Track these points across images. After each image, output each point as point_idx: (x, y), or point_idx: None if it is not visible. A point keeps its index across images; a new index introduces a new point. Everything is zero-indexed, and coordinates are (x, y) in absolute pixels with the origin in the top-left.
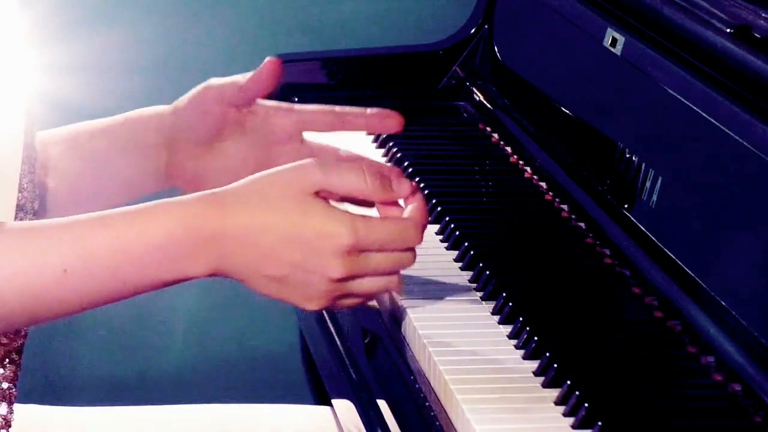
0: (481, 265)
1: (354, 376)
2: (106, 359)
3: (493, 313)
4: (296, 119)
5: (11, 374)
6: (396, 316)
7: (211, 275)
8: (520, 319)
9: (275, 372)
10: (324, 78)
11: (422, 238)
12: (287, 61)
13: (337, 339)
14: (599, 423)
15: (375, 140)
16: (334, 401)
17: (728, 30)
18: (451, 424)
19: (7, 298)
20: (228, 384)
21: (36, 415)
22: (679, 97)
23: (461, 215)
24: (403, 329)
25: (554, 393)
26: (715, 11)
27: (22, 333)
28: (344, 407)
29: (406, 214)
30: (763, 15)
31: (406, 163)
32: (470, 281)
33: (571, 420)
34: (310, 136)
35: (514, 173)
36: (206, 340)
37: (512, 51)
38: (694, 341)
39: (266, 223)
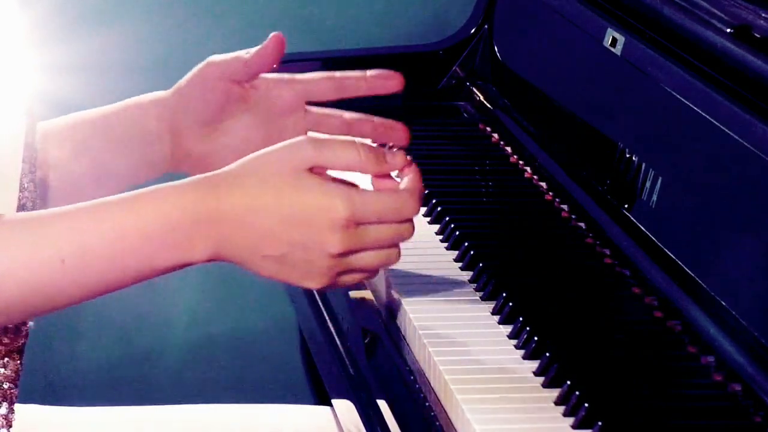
0: (481, 265)
1: (354, 376)
2: (106, 359)
3: (493, 313)
4: (298, 89)
5: (12, 374)
6: (396, 316)
7: (210, 260)
8: (520, 319)
9: (275, 372)
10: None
11: (419, 208)
12: (287, 61)
13: (337, 339)
14: (599, 423)
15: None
16: (334, 401)
17: (728, 30)
18: (451, 424)
19: (7, 290)
20: (228, 384)
21: (36, 415)
22: (679, 97)
23: (461, 215)
24: (402, 329)
25: (554, 393)
26: (715, 11)
27: (23, 333)
28: (344, 407)
29: (402, 186)
30: (763, 15)
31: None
32: (470, 281)
33: (571, 420)
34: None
35: (514, 173)
36: (206, 340)
37: (512, 51)
38: (694, 341)
39: (262, 203)
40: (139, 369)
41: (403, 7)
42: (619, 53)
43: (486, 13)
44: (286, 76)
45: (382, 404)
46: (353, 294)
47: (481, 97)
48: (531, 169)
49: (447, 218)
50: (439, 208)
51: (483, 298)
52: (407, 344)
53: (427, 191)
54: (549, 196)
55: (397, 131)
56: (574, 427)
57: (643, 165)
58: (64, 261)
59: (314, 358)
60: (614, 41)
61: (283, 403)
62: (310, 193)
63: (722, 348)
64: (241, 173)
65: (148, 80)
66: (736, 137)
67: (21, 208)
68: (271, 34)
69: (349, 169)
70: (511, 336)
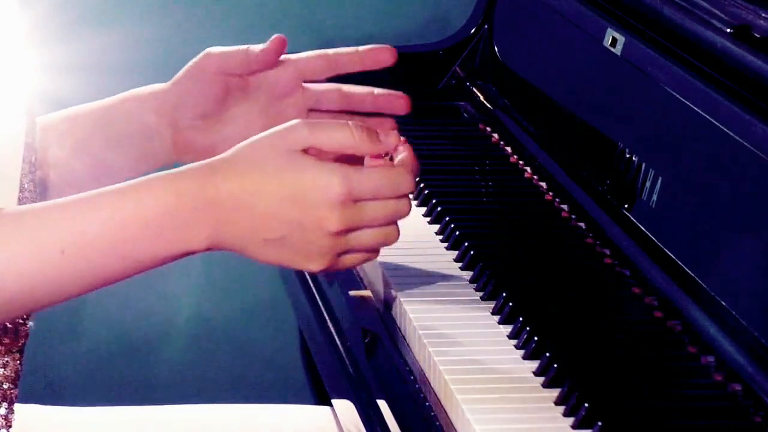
0: (481, 265)
1: (354, 376)
2: (106, 359)
3: (493, 313)
4: (293, 70)
5: (12, 374)
6: (395, 316)
7: (210, 248)
8: (520, 319)
9: (275, 372)
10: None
11: (415, 185)
12: None
13: (337, 339)
14: (599, 423)
15: None
16: (334, 401)
17: (728, 30)
18: (451, 424)
19: (8, 282)
20: (228, 384)
21: (36, 415)
22: (679, 97)
23: (461, 215)
24: (402, 329)
25: (554, 393)
26: (715, 11)
27: (23, 333)
28: (344, 407)
29: (396, 161)
30: (763, 15)
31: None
32: (470, 281)
33: (571, 420)
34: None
35: (514, 173)
36: (206, 340)
37: (512, 51)
38: (694, 341)
39: (259, 185)
40: (139, 369)
41: (403, 7)
42: (619, 53)
43: (486, 13)
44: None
45: (382, 404)
46: (353, 293)
47: (481, 97)
48: (531, 169)
49: (447, 218)
50: (439, 208)
51: (483, 298)
52: (407, 344)
53: (427, 191)
54: (549, 196)
55: (398, 100)
56: (574, 427)
57: (643, 165)
58: (64, 251)
59: (314, 358)
60: (614, 41)
61: (283, 403)
62: (306, 173)
63: (722, 348)
64: (237, 158)
65: (148, 80)
66: (736, 137)
67: None
68: (274, 36)
69: (343, 150)
70: (511, 336)
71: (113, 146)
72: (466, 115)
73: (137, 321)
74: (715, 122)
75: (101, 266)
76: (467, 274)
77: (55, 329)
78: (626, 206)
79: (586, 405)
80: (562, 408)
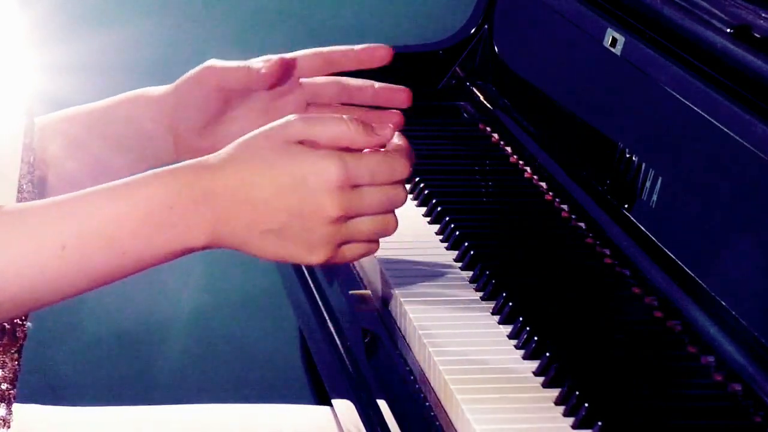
0: (481, 265)
1: (354, 375)
2: (106, 359)
3: (493, 313)
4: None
5: (10, 375)
6: (395, 316)
7: (209, 245)
8: (520, 319)
9: (275, 372)
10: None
11: (410, 169)
12: None
13: (337, 339)
14: (599, 423)
15: None
16: (334, 401)
17: (728, 30)
18: (451, 424)
19: (9, 278)
20: (228, 384)
21: (36, 415)
22: (679, 97)
23: (461, 215)
24: (402, 329)
25: (554, 393)
26: (715, 11)
27: (21, 334)
28: (344, 407)
29: (391, 148)
30: (763, 15)
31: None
32: (470, 281)
33: (571, 420)
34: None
35: (514, 173)
36: (206, 340)
37: (512, 51)
38: (694, 341)
39: (256, 174)
40: (138, 369)
41: (403, 7)
42: (619, 53)
43: (486, 13)
44: (273, 57)
45: (382, 404)
46: (353, 293)
47: (481, 97)
48: (531, 169)
49: (447, 218)
50: (439, 208)
51: (483, 298)
52: (407, 344)
53: (427, 191)
54: (549, 196)
55: (399, 93)
56: (574, 427)
57: (643, 165)
58: (64, 247)
59: (314, 358)
60: (614, 41)
61: (283, 403)
62: (303, 160)
63: (722, 348)
64: (233, 152)
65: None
66: (736, 137)
67: None
68: (279, 57)
69: (338, 142)
70: (511, 336)
71: (112, 146)
72: (466, 115)
73: (137, 321)
74: (715, 122)
75: (102, 262)
76: (467, 274)
77: (54, 329)
78: (626, 206)
79: (586, 405)
80: (562, 408)
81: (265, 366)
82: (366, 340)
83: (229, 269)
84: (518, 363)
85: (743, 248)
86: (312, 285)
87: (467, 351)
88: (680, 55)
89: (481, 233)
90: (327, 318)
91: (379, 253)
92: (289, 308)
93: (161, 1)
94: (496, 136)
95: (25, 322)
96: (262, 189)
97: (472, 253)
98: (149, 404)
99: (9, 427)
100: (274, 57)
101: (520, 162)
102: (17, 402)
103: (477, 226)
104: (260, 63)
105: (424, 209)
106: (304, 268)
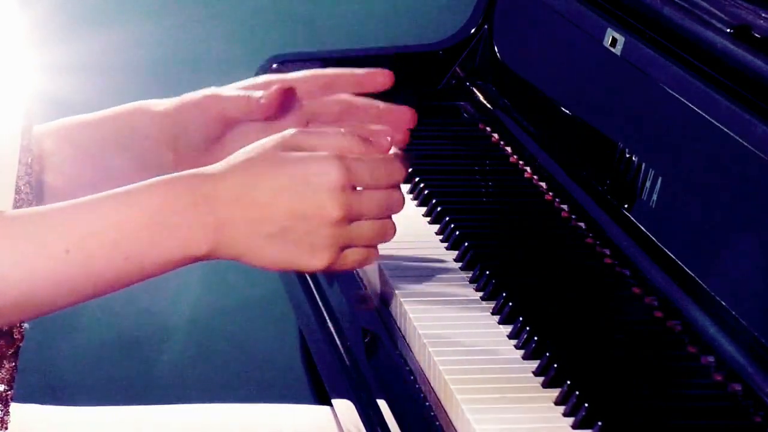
0: (481, 265)
1: (354, 375)
2: (106, 359)
3: (493, 313)
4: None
5: (8, 376)
6: (395, 316)
7: (210, 253)
8: (520, 319)
9: (275, 372)
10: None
11: (406, 173)
12: (287, 61)
13: (337, 339)
14: (599, 423)
15: None
16: (334, 401)
17: (728, 30)
18: (451, 424)
19: (12, 282)
20: (228, 384)
21: (36, 415)
22: (679, 97)
23: (461, 215)
24: (402, 329)
25: (554, 393)
26: (715, 11)
27: (18, 335)
28: (344, 407)
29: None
30: (763, 15)
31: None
32: (470, 281)
33: (571, 420)
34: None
35: (514, 173)
36: (206, 340)
37: (512, 51)
38: (694, 341)
39: (257, 178)
40: (138, 368)
41: (402, 7)
42: (619, 53)
43: (486, 13)
44: (274, 78)
45: (382, 404)
46: (353, 293)
47: (481, 97)
48: (531, 169)
49: (447, 218)
50: (439, 208)
51: (483, 298)
52: (407, 344)
53: (427, 191)
54: (549, 196)
55: (404, 114)
56: (574, 427)
57: (643, 165)
58: (68, 251)
59: (314, 358)
60: (614, 41)
61: (283, 403)
62: (303, 163)
63: (722, 348)
64: (234, 161)
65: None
66: (736, 137)
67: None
68: (277, 86)
69: (336, 151)
70: (511, 336)
71: (114, 151)
72: (466, 115)
73: (137, 320)
74: (715, 122)
75: (104, 267)
76: (467, 275)
77: (54, 329)
78: (626, 206)
79: (586, 405)
80: (562, 408)
81: (265, 366)
82: (366, 340)
83: (229, 269)
84: (518, 363)
85: (743, 248)
86: (312, 285)
87: (467, 351)
88: (680, 55)
89: (481, 233)
90: (327, 318)
91: (380, 253)
92: (289, 308)
93: (161, 1)
94: (496, 136)
95: (22, 324)
96: (263, 192)
97: (472, 253)
98: (149, 404)
99: (6, 428)
100: (273, 79)
101: (520, 162)
102: (17, 402)
103: (477, 226)
104: (260, 92)
105: (424, 209)
106: None
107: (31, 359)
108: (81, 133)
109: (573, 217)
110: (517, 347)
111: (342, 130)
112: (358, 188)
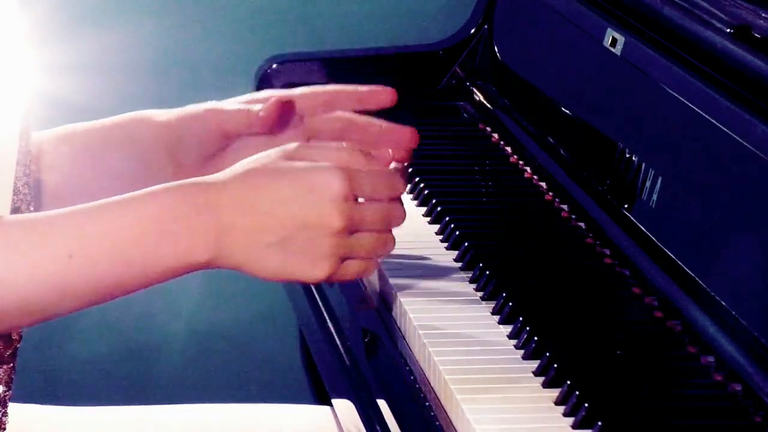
0: (481, 265)
1: (354, 375)
2: (106, 359)
3: (493, 313)
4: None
5: (6, 377)
6: (395, 316)
7: (212, 260)
8: (520, 319)
9: (275, 372)
10: (324, 78)
11: (406, 186)
12: (287, 61)
13: (337, 339)
14: (599, 423)
15: None
16: (333, 401)
17: (728, 30)
18: (451, 424)
19: (15, 288)
20: (228, 384)
21: (35, 415)
22: (679, 97)
23: (461, 215)
24: (402, 329)
25: (554, 393)
26: (715, 11)
27: (17, 337)
28: (344, 407)
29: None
30: (763, 15)
31: (405, 163)
32: (470, 281)
33: (571, 420)
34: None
35: (514, 173)
36: (206, 340)
37: (512, 51)
38: (694, 341)
39: (259, 186)
40: (138, 369)
41: (402, 7)
42: (619, 53)
43: (486, 13)
44: (276, 93)
45: (382, 404)
46: (353, 292)
47: (481, 97)
48: (531, 169)
49: (447, 218)
50: (439, 208)
51: (483, 298)
52: (407, 344)
53: (427, 191)
54: (549, 196)
55: (405, 134)
56: (574, 427)
57: (643, 165)
58: (71, 256)
59: (314, 358)
60: (614, 41)
61: (283, 403)
62: (305, 173)
63: (722, 348)
64: (236, 170)
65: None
66: (736, 137)
67: (15, 211)
68: (276, 98)
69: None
70: (511, 336)
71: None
72: (466, 115)
73: (137, 321)
74: (715, 122)
75: (107, 272)
76: (467, 274)
77: (54, 329)
78: (626, 206)
79: (586, 405)
80: (562, 408)
81: (265, 366)
82: (366, 340)
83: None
84: (518, 363)
85: (743, 248)
86: (312, 285)
87: (467, 351)
88: (680, 55)
89: (481, 233)
90: (327, 318)
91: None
92: (289, 308)
93: (161, 1)
94: (496, 136)
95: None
96: (265, 200)
97: (472, 253)
98: (149, 404)
99: (4, 429)
100: (275, 94)
101: (520, 162)
102: (17, 402)
103: (477, 226)
104: (259, 105)
105: (424, 209)
106: None
107: (31, 359)
108: (81, 136)
109: (573, 217)
110: (517, 347)
111: (344, 144)
112: (360, 201)
